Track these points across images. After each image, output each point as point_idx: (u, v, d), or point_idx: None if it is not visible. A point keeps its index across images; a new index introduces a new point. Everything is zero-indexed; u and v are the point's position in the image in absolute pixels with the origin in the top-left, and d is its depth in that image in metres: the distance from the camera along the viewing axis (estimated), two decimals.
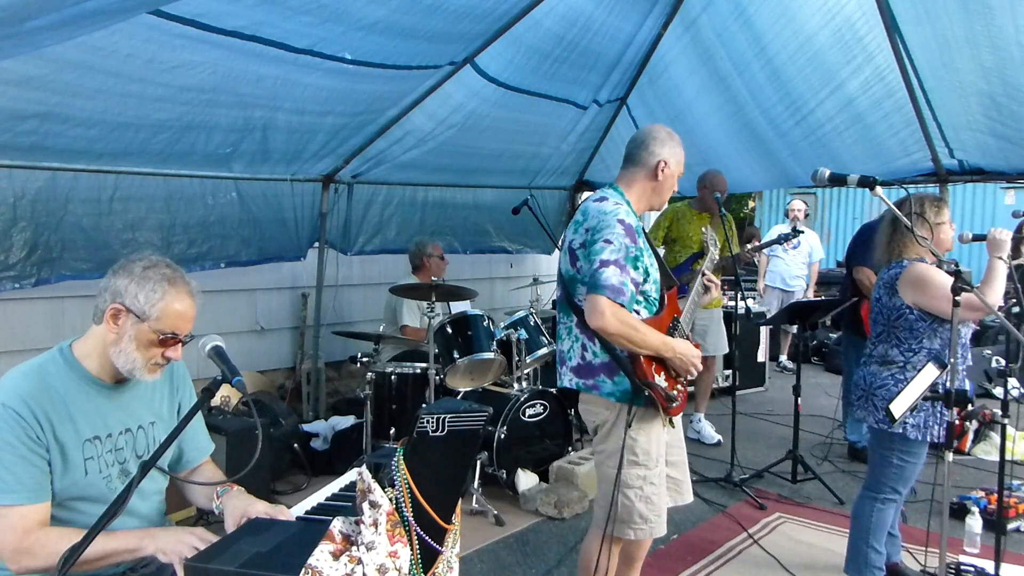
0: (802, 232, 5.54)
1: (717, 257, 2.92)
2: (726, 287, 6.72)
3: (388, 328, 4.94)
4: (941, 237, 2.91)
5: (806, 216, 7.63)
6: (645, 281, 2.46)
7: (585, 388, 2.49)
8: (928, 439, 2.80)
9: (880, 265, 3.03)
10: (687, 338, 2.58)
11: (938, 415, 2.77)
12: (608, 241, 2.34)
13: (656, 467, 2.48)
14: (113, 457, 1.85)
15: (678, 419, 2.66)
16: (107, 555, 1.71)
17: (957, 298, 2.33)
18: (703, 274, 2.76)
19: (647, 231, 5.89)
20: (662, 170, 2.52)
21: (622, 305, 2.31)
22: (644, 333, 2.34)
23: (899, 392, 2.36)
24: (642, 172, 2.55)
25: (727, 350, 5.37)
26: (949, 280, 2.66)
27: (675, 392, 2.47)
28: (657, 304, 2.53)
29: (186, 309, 1.84)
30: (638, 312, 2.44)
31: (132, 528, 1.82)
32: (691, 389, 5.90)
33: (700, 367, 2.51)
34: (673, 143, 2.56)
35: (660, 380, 2.41)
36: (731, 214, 5.06)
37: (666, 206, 2.91)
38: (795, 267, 7.94)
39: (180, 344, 1.86)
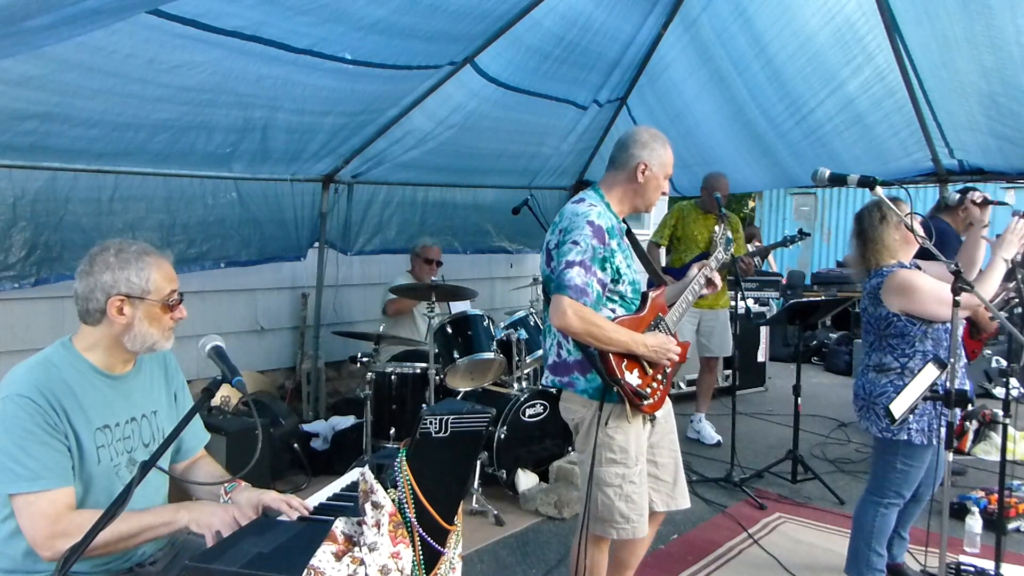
0: (808, 235, 5.07)
1: (724, 257, 2.89)
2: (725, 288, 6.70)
3: (386, 326, 4.93)
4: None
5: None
6: (617, 282, 2.44)
7: (561, 385, 2.51)
8: (932, 443, 2.81)
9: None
10: (672, 336, 2.55)
11: (941, 418, 2.77)
12: (576, 243, 2.34)
13: (636, 465, 2.45)
14: (122, 446, 1.88)
15: (669, 420, 2.64)
16: (142, 530, 1.74)
17: (957, 298, 2.32)
18: (709, 268, 2.74)
19: (656, 229, 5.75)
20: (642, 172, 2.49)
21: (586, 305, 2.31)
22: (609, 331, 2.33)
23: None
24: (623, 175, 2.52)
25: (730, 352, 5.26)
26: (935, 282, 2.68)
27: (648, 389, 2.43)
28: (637, 304, 2.51)
29: (169, 268, 1.92)
30: (613, 312, 2.44)
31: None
32: (692, 389, 5.90)
33: (676, 356, 2.48)
34: (656, 144, 2.50)
35: (632, 377, 2.39)
36: (733, 214, 4.94)
37: (667, 206, 2.89)
38: None
39: (181, 303, 1.93)
